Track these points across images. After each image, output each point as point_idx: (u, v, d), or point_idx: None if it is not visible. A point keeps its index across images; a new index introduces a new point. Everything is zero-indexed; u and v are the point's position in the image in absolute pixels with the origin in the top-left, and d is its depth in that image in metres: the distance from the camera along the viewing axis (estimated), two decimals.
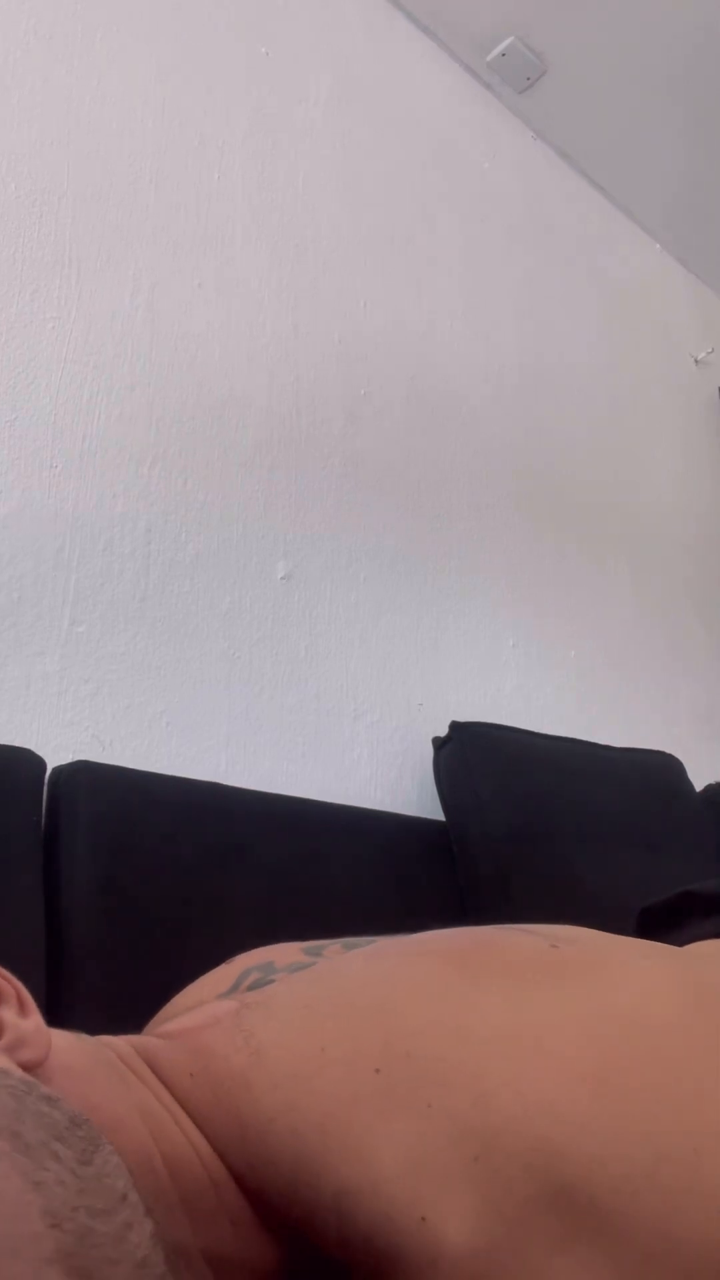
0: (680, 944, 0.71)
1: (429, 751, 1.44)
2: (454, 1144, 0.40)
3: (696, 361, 2.70)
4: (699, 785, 1.73)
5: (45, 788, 0.94)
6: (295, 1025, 0.47)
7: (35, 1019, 0.45)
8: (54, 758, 0.97)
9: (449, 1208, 0.39)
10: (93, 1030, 0.49)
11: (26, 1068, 0.42)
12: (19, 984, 0.47)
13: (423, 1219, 0.39)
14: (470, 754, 1.38)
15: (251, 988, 0.55)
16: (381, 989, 0.49)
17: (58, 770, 0.96)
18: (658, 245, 2.72)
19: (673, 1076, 0.43)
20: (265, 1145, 0.43)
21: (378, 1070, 0.43)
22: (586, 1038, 0.44)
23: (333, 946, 0.59)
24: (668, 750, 1.73)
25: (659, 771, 1.66)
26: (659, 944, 0.65)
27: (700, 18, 2.14)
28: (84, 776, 0.95)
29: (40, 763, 0.93)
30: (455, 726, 1.42)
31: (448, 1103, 0.41)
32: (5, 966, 0.47)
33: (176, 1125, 0.46)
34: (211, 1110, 0.46)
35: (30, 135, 1.31)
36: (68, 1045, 0.47)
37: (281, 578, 1.41)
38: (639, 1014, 0.47)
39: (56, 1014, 0.81)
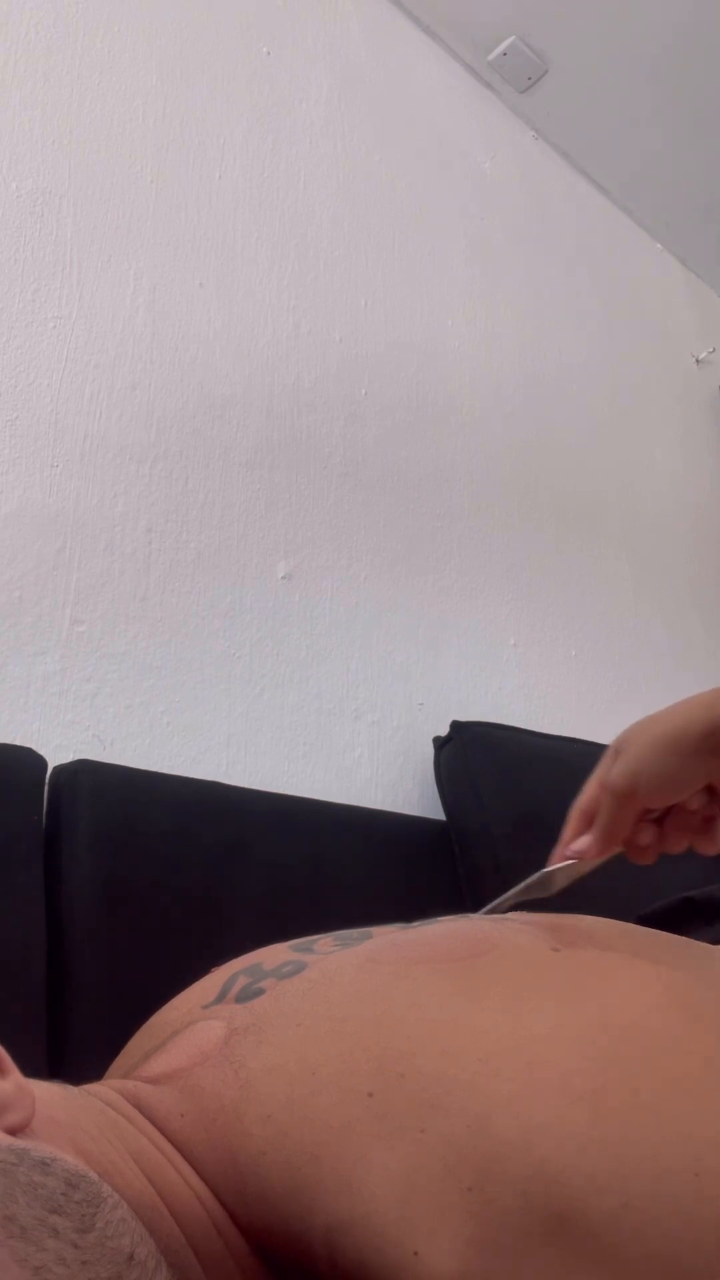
0: None
1: (430, 751, 1.44)
2: (449, 1172, 0.39)
3: (697, 361, 2.70)
4: None
5: (46, 787, 0.94)
6: (286, 1048, 0.46)
7: (15, 1077, 0.43)
8: (55, 757, 0.97)
9: (443, 1241, 0.38)
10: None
11: (12, 1131, 0.40)
12: None
13: (415, 1253, 0.38)
14: (471, 753, 1.38)
15: (240, 995, 0.54)
16: (375, 1006, 0.47)
17: (59, 769, 0.96)
18: (658, 245, 2.72)
19: (672, 1093, 0.42)
20: (259, 1179, 0.42)
21: (371, 1094, 0.42)
22: (585, 1052, 0.43)
23: (323, 941, 0.58)
24: None
25: None
26: (675, 938, 0.63)
27: (701, 18, 2.14)
28: (85, 776, 0.95)
29: (41, 762, 0.93)
30: (456, 726, 1.42)
31: (442, 1127, 0.40)
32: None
33: (173, 1167, 0.45)
34: (206, 1150, 0.45)
35: (31, 135, 1.31)
36: (52, 1097, 0.45)
37: (282, 577, 1.41)
38: (640, 1026, 0.45)
39: (57, 1014, 0.81)
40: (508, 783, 1.37)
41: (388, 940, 0.55)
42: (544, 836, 1.34)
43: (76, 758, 0.99)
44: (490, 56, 2.19)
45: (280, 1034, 0.47)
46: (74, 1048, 0.80)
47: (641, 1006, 0.47)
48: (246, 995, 0.53)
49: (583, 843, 0.68)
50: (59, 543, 1.17)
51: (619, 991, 0.49)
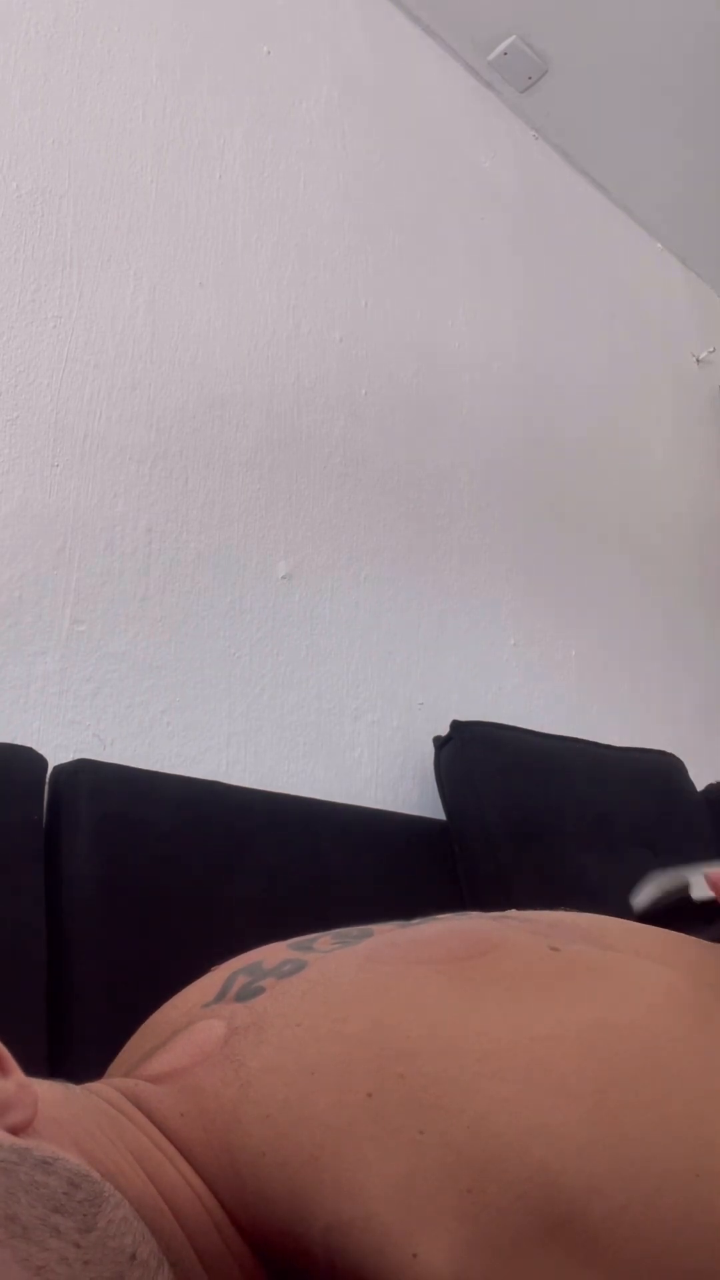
0: None
1: (430, 751, 1.44)
2: (447, 1174, 0.39)
3: (698, 361, 2.70)
4: (699, 785, 1.73)
5: (46, 787, 0.94)
6: (285, 1048, 0.46)
7: (17, 1076, 0.43)
8: (55, 757, 0.97)
9: (441, 1243, 0.38)
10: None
11: (15, 1130, 0.40)
12: None
13: (414, 1255, 0.38)
14: (471, 753, 1.38)
15: (240, 994, 0.54)
16: (375, 1006, 0.47)
17: (59, 769, 0.96)
18: (658, 244, 2.71)
19: (672, 1093, 0.42)
20: (258, 1179, 0.42)
21: (370, 1094, 0.42)
22: (585, 1052, 0.43)
23: (323, 939, 0.58)
24: (669, 749, 1.73)
25: (660, 771, 1.66)
26: (676, 936, 0.63)
27: (701, 17, 2.14)
28: (85, 775, 0.95)
29: (41, 762, 0.93)
30: (456, 726, 1.42)
31: (441, 1128, 0.40)
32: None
33: (173, 1167, 0.45)
34: (205, 1150, 0.45)
35: (31, 135, 1.31)
36: (54, 1097, 0.45)
37: (282, 577, 1.41)
38: (641, 1027, 0.45)
39: (57, 1013, 0.81)
40: (508, 783, 1.37)
41: (387, 939, 0.55)
42: (544, 836, 1.35)
43: (76, 757, 0.99)
44: (490, 56, 2.19)
45: (280, 1034, 0.47)
46: (74, 1047, 0.80)
47: (642, 1006, 0.47)
48: (247, 994, 0.53)
49: None
50: (59, 543, 1.17)
51: (619, 991, 0.49)
